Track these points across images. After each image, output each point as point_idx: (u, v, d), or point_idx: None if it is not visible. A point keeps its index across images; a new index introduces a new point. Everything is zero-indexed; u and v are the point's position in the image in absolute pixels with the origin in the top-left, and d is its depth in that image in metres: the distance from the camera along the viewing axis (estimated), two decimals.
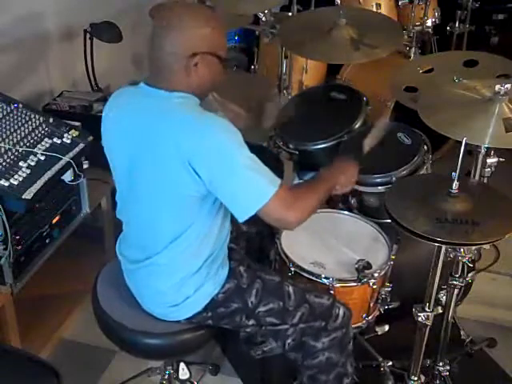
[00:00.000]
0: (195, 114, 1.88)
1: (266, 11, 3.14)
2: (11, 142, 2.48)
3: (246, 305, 2.07)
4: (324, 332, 2.11)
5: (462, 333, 2.78)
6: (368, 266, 2.24)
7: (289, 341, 2.11)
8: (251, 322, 2.10)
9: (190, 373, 2.43)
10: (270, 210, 1.84)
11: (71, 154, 2.56)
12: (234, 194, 1.85)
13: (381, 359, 2.55)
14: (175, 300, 2.05)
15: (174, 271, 2.02)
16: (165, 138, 1.86)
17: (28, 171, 2.40)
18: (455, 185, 2.05)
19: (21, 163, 2.42)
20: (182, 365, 2.41)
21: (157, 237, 2.00)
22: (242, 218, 1.86)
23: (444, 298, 2.33)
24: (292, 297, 2.09)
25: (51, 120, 2.66)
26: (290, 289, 2.11)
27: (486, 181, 2.32)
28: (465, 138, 1.99)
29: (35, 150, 2.49)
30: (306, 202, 1.93)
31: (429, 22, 3.74)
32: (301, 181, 2.77)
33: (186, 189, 1.88)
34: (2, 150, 2.44)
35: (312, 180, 2.12)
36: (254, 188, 1.84)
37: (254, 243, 2.44)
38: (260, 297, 2.08)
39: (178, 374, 2.42)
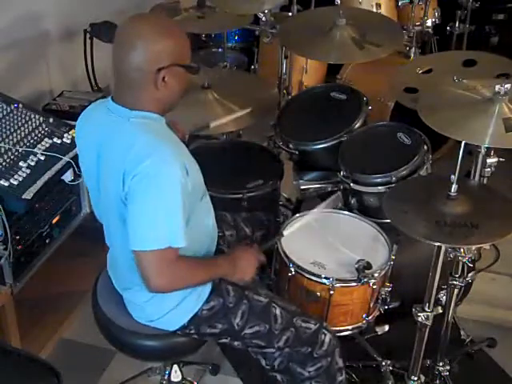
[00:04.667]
0: (147, 136, 1.82)
1: (266, 11, 3.14)
2: (11, 142, 2.48)
3: (231, 326, 2.05)
4: (310, 360, 2.08)
5: (462, 333, 2.78)
6: (368, 266, 2.24)
7: (277, 362, 2.09)
8: (237, 343, 2.09)
9: (183, 375, 2.41)
10: (143, 261, 1.80)
11: (71, 154, 2.56)
12: (131, 221, 1.81)
13: (381, 359, 2.55)
14: (155, 314, 2.04)
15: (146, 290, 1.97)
16: (114, 160, 1.83)
17: (28, 171, 2.41)
18: (454, 188, 2.05)
19: (21, 163, 2.42)
20: (174, 367, 2.39)
21: (125, 255, 1.97)
22: (130, 246, 1.82)
23: (444, 298, 2.33)
24: (279, 320, 2.07)
25: (51, 120, 2.66)
26: (277, 311, 2.08)
27: (485, 181, 2.32)
28: (463, 141, 2.00)
29: (35, 150, 2.50)
30: (180, 280, 1.89)
31: (429, 22, 3.74)
32: (301, 181, 2.77)
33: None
34: (2, 150, 2.44)
35: (207, 261, 2.02)
36: (144, 230, 1.79)
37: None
38: (246, 319, 2.05)
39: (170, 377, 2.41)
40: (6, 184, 2.33)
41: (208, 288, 2.05)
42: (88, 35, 3.25)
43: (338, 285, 2.24)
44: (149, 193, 1.78)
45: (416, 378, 2.40)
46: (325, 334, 2.09)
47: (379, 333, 2.45)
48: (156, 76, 1.80)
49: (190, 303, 2.03)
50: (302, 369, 2.09)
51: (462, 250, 2.14)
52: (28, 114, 2.63)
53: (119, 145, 1.83)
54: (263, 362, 2.12)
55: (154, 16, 1.85)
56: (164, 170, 1.78)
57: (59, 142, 2.58)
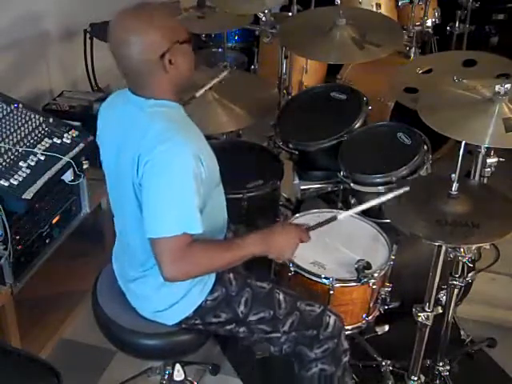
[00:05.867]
0: (162, 124, 1.84)
1: (266, 11, 3.15)
2: (11, 142, 2.48)
3: (236, 315, 2.06)
4: (316, 342, 2.08)
5: (462, 333, 2.78)
6: (368, 266, 2.24)
7: (285, 347, 2.09)
8: (242, 329, 2.09)
9: (185, 374, 2.42)
10: (157, 249, 1.81)
11: (71, 154, 2.56)
12: (146, 209, 1.83)
13: (381, 359, 2.55)
14: (160, 306, 2.05)
15: (154, 279, 1.99)
16: (130, 148, 1.85)
17: (28, 171, 2.41)
18: (455, 186, 2.05)
19: (21, 163, 2.42)
20: (177, 366, 2.39)
21: (137, 242, 1.99)
22: (146, 234, 1.83)
23: (444, 297, 2.33)
24: (282, 305, 2.07)
25: (51, 120, 2.66)
26: (281, 296, 2.08)
27: (485, 181, 2.32)
28: (463, 141, 2.00)
29: (35, 150, 2.49)
30: (196, 266, 1.86)
31: (429, 22, 3.75)
32: (301, 181, 2.77)
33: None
34: (2, 150, 2.44)
35: (227, 242, 2.01)
36: (158, 218, 1.80)
37: None
38: (250, 306, 2.06)
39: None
40: (6, 184, 2.32)
41: (212, 278, 2.05)
42: (88, 35, 3.25)
43: (337, 285, 2.24)
44: (161, 179, 1.79)
45: (416, 378, 2.40)
46: (329, 316, 2.09)
47: (379, 333, 2.45)
48: (162, 62, 1.83)
49: (195, 295, 2.03)
50: (309, 350, 2.09)
51: (462, 249, 2.14)
52: (28, 114, 2.63)
53: (135, 133, 1.85)
54: (271, 349, 2.12)
55: (138, 7, 1.87)
56: (176, 157, 1.79)
57: (59, 142, 2.58)
